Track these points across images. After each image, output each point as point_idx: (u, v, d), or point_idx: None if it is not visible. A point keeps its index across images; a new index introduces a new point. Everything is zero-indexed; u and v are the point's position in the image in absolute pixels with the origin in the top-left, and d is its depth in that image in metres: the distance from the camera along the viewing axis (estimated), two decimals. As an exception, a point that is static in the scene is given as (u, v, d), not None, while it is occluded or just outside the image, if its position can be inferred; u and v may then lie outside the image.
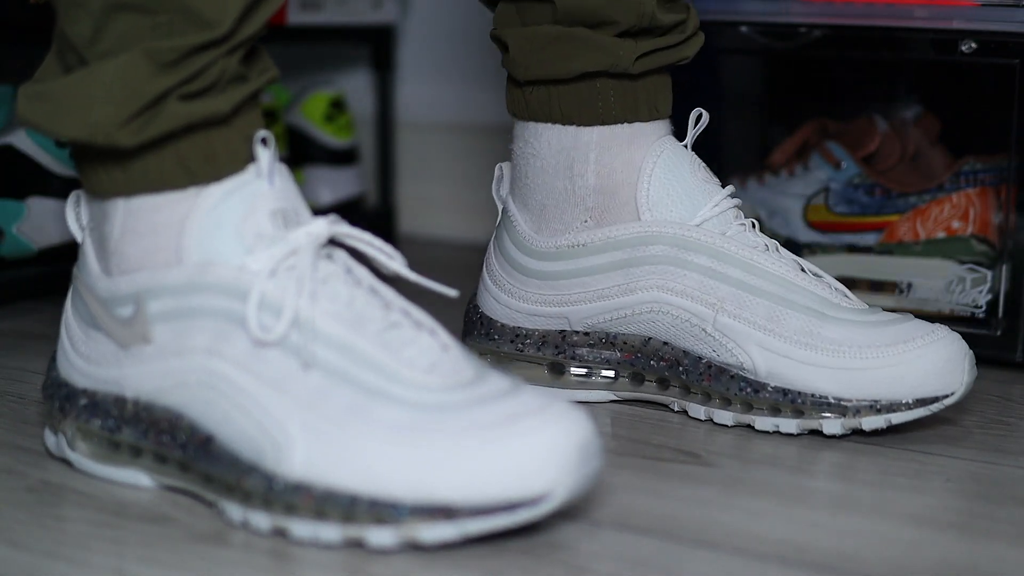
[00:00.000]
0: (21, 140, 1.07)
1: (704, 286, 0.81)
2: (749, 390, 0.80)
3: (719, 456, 0.77)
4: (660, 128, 0.84)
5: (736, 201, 0.83)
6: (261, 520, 0.63)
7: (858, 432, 0.79)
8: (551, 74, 0.82)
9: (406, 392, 0.62)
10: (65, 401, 0.70)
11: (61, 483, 0.69)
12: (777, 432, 0.80)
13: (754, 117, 1.23)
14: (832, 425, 0.78)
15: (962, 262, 1.00)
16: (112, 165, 0.67)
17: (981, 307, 0.99)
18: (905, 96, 1.11)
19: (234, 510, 0.64)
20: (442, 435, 0.60)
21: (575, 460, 0.60)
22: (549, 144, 0.84)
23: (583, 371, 0.85)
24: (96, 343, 0.69)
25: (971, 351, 0.79)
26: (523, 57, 0.83)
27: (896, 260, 1.03)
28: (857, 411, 0.78)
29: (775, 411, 0.79)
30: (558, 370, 0.86)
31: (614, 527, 0.65)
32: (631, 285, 0.82)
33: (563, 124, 0.83)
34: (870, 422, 0.78)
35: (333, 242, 0.67)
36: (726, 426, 0.81)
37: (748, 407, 0.80)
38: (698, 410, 0.83)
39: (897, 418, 0.78)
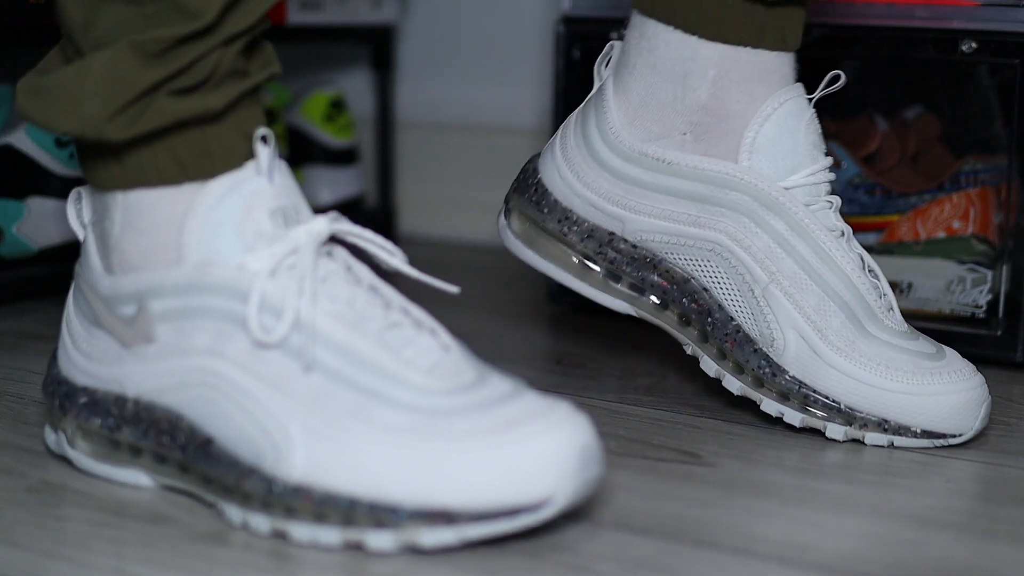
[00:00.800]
0: (21, 140, 1.07)
1: (771, 252, 0.79)
2: (768, 370, 0.79)
3: (719, 456, 0.77)
4: (785, 63, 0.80)
5: (831, 176, 0.81)
6: (260, 522, 0.63)
7: (858, 442, 0.79)
8: None
9: (407, 395, 0.62)
10: (65, 399, 0.70)
11: (61, 483, 0.69)
12: (780, 426, 0.80)
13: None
14: (835, 431, 0.78)
15: (962, 262, 1.00)
16: (110, 159, 0.67)
17: (981, 307, 0.99)
18: (905, 96, 1.11)
19: (233, 512, 0.64)
20: (443, 439, 0.60)
21: (576, 466, 0.60)
22: (667, 46, 0.80)
23: (614, 277, 0.83)
24: (98, 341, 0.69)
25: (990, 398, 0.79)
26: None
27: (896, 260, 1.03)
28: (864, 424, 0.78)
29: (784, 398, 0.79)
30: (589, 265, 0.83)
31: (614, 527, 0.65)
32: (701, 219, 0.80)
33: (685, 32, 0.79)
34: (873, 438, 0.78)
35: (333, 239, 0.67)
36: (730, 393, 0.81)
37: (759, 384, 0.80)
38: (709, 365, 0.81)
39: (901, 442, 0.78)
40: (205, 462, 0.65)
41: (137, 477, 0.69)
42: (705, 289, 0.81)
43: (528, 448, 0.60)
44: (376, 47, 1.45)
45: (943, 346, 0.80)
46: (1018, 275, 0.96)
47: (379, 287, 0.66)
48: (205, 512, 0.66)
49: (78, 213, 0.71)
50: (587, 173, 0.83)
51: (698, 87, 0.80)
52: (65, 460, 0.71)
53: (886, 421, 0.77)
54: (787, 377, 0.79)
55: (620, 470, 0.73)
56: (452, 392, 0.62)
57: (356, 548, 0.61)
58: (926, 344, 0.79)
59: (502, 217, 0.86)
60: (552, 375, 0.95)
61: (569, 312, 1.12)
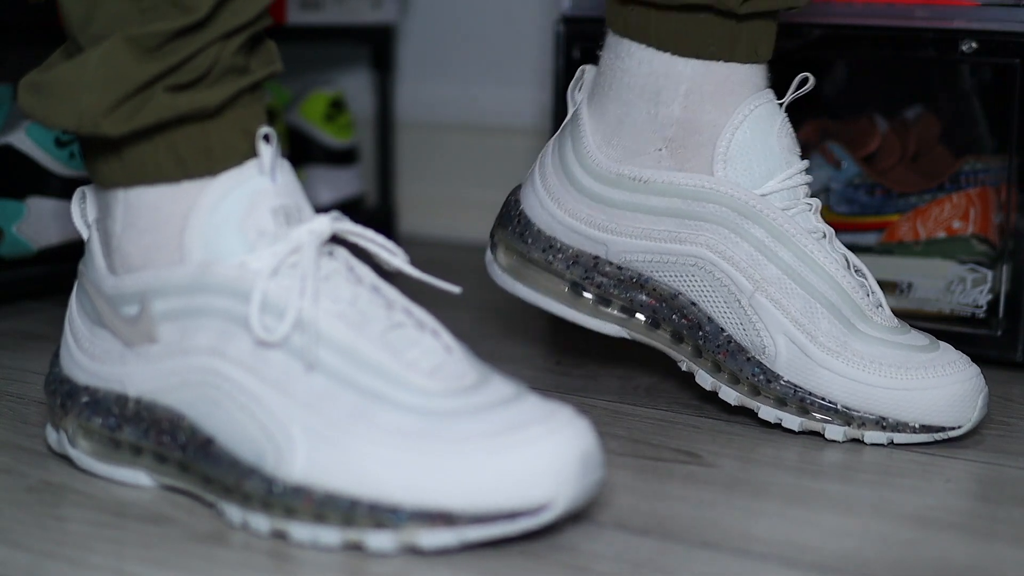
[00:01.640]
0: (21, 140, 1.07)
1: (753, 260, 0.79)
2: (762, 377, 0.79)
3: (719, 456, 0.77)
4: (757, 74, 0.81)
5: (807, 178, 0.81)
6: (260, 522, 0.63)
7: (858, 442, 0.79)
8: None
9: (409, 397, 0.62)
10: (67, 398, 0.70)
11: (61, 483, 0.69)
12: (779, 427, 0.80)
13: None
14: (834, 431, 0.78)
15: (962, 262, 1.00)
16: (111, 155, 0.67)
17: (981, 307, 0.99)
18: (905, 96, 1.11)
19: (233, 512, 0.64)
20: (444, 442, 0.60)
21: (577, 471, 0.60)
22: (640, 65, 0.81)
23: (603, 301, 0.83)
24: (101, 340, 0.69)
25: (987, 387, 0.79)
26: None
27: (896, 260, 1.03)
28: (863, 423, 0.78)
29: (781, 403, 0.79)
30: (578, 291, 0.84)
31: (614, 527, 0.65)
32: (682, 235, 0.80)
33: (658, 49, 0.80)
34: (872, 436, 0.78)
35: (334, 239, 0.67)
36: (728, 405, 0.81)
37: (755, 392, 0.80)
38: (705, 379, 0.82)
39: (900, 439, 0.78)
40: (205, 462, 0.65)
41: (137, 477, 0.69)
42: (693, 303, 0.81)
43: (529, 452, 0.60)
44: (376, 47, 1.45)
45: (935, 338, 0.81)
46: (1018, 275, 0.96)
47: (381, 287, 0.66)
48: (205, 512, 0.66)
49: (82, 212, 0.72)
50: (567, 199, 0.83)
51: (671, 102, 0.80)
52: (66, 459, 0.71)
53: (884, 418, 0.77)
54: (782, 383, 0.79)
55: (620, 470, 0.73)
56: (454, 394, 0.62)
57: (356, 549, 0.61)
58: (918, 337, 0.80)
59: (489, 252, 0.87)
60: (552, 375, 0.95)
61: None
